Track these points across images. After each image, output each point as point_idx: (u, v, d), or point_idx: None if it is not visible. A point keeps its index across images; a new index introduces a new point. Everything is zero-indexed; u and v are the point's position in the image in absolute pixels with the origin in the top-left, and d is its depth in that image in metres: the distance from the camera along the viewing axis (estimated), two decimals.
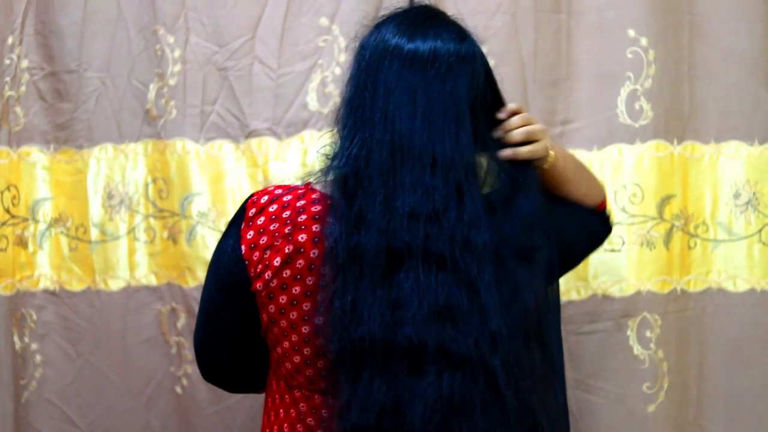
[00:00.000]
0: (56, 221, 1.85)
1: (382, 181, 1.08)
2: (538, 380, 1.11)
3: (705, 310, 1.75)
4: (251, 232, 1.16)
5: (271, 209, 1.16)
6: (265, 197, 1.18)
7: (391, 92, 1.11)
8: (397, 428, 1.05)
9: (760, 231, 1.74)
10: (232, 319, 1.20)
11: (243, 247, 1.16)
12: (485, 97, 1.17)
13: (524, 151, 1.21)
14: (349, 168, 1.10)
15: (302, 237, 1.12)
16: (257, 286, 1.14)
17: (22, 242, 1.82)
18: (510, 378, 1.06)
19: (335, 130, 1.16)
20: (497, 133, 1.21)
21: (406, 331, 1.04)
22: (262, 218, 1.16)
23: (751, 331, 1.74)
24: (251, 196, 1.20)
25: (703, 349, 1.76)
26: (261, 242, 1.14)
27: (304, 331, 1.13)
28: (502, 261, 1.09)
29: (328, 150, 1.15)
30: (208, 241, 1.78)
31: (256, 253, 1.14)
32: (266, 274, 1.13)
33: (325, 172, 1.14)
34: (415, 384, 1.05)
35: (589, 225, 1.36)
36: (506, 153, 1.20)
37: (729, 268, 1.75)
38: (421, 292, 1.06)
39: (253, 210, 1.17)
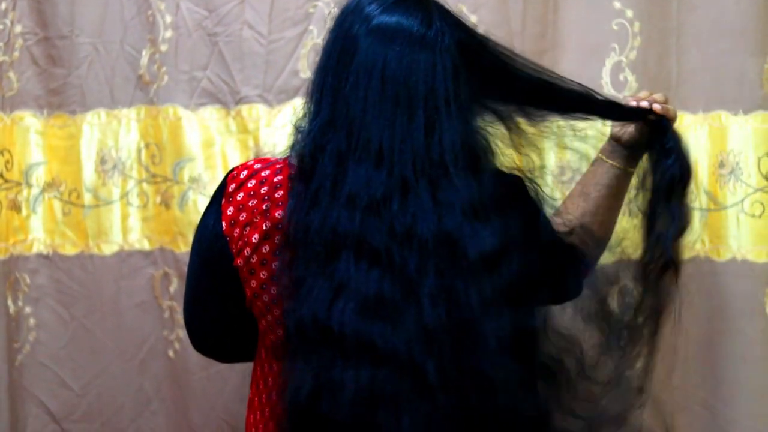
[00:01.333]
0: (49, 186, 1.91)
1: (333, 164, 1.10)
2: (496, 381, 1.09)
3: (692, 278, 1.80)
4: (231, 208, 1.19)
5: (249, 185, 1.19)
6: (245, 172, 1.21)
7: (353, 66, 1.11)
8: (329, 412, 1.07)
9: (742, 201, 1.79)
10: (217, 293, 1.24)
11: (224, 223, 1.20)
12: (454, 94, 1.13)
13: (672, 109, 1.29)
14: (309, 145, 1.12)
15: (279, 213, 1.15)
16: (238, 262, 1.17)
17: (15, 206, 1.88)
18: (444, 377, 1.06)
19: (306, 101, 1.17)
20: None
21: (337, 319, 1.06)
22: (241, 194, 1.19)
23: (733, 301, 1.81)
24: (231, 170, 1.23)
25: (687, 315, 1.81)
26: (240, 219, 1.17)
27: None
28: (452, 259, 1.08)
29: (298, 122, 1.17)
30: (199, 207, 1.85)
31: (236, 230, 1.18)
32: (246, 251, 1.17)
33: (291, 146, 1.16)
34: (339, 373, 1.07)
35: (565, 277, 1.32)
36: (658, 99, 1.30)
37: (714, 237, 1.81)
38: (353, 283, 1.07)
39: (233, 185, 1.20)
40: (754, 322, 1.78)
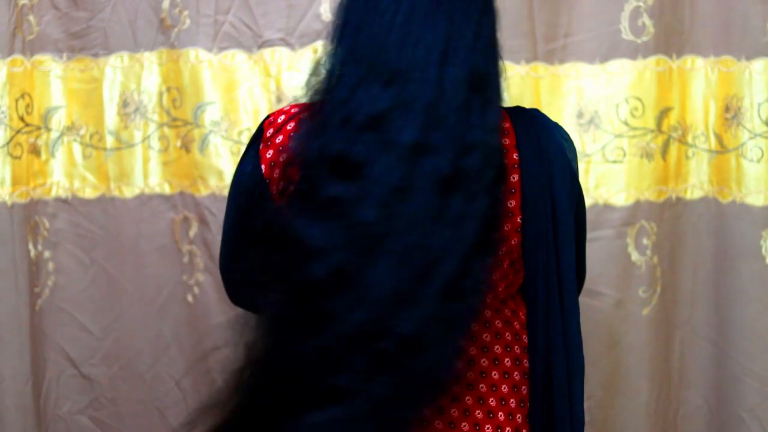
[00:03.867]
0: (69, 129, 2.01)
1: (347, 91, 1.14)
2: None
3: (701, 218, 1.98)
4: (270, 152, 1.24)
5: (288, 127, 1.23)
6: (282, 116, 1.25)
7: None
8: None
9: (743, 145, 1.95)
10: (256, 239, 1.26)
11: (263, 166, 1.24)
12: (480, 27, 1.17)
13: None
14: (326, 81, 1.16)
15: None
16: (281, 201, 1.21)
17: (35, 150, 1.98)
18: (401, 300, 1.10)
19: (328, 42, 1.20)
20: None
21: (316, 239, 1.11)
22: (281, 137, 1.23)
23: (733, 242, 1.97)
24: (268, 116, 1.28)
25: (696, 254, 1.95)
26: (281, 160, 1.22)
27: None
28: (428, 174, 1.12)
29: (319, 63, 1.20)
30: (220, 150, 1.97)
31: (276, 171, 1.22)
32: (290, 189, 1.19)
33: (308, 84, 1.20)
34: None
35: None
36: None
37: (720, 179, 1.97)
38: (320, 190, 1.12)
39: (271, 130, 1.25)
40: (751, 263, 1.95)
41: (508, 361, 1.27)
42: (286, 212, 1.15)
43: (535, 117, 1.29)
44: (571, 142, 1.31)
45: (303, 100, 1.20)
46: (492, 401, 1.25)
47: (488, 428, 1.24)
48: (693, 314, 1.99)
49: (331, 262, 1.10)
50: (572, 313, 1.27)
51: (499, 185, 1.19)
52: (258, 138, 1.27)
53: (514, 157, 1.22)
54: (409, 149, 1.10)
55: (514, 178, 1.22)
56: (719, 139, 1.96)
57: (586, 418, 1.95)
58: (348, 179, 1.11)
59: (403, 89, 1.12)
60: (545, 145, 1.25)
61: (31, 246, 1.99)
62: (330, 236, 1.10)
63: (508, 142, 1.23)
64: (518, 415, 1.26)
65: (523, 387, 1.27)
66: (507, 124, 1.25)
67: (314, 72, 1.19)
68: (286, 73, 1.94)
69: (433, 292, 1.10)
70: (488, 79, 1.18)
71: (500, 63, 1.21)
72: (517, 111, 1.29)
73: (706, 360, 2.00)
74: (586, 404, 1.95)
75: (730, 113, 1.95)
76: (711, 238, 1.97)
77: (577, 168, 1.31)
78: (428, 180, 1.10)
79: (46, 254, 2.01)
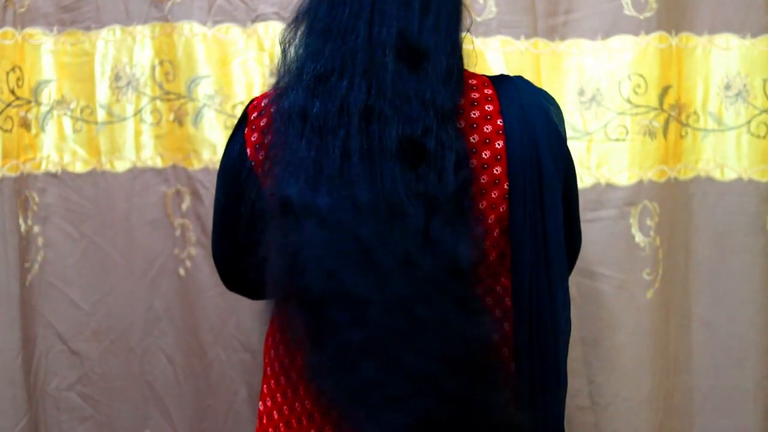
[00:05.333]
0: (59, 103, 2.05)
1: (296, 49, 1.24)
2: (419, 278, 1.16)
3: (693, 198, 2.01)
4: (255, 135, 1.28)
5: (272, 110, 1.26)
6: (265, 100, 1.30)
7: None
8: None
9: (749, 122, 1.97)
10: (245, 223, 1.29)
11: (248, 150, 1.28)
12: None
13: None
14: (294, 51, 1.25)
15: None
16: (267, 184, 1.24)
17: (25, 124, 2.01)
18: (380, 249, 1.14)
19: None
20: None
21: (288, 192, 1.17)
22: (265, 119, 1.28)
23: (737, 219, 1.99)
24: (252, 100, 1.34)
25: (690, 235, 1.95)
26: (266, 141, 1.26)
27: None
28: (384, 141, 1.16)
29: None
30: (214, 124, 2.00)
31: (261, 153, 1.26)
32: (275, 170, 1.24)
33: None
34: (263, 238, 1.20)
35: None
36: None
37: (717, 157, 2.00)
38: (300, 155, 1.17)
39: (255, 113, 1.30)
40: (756, 239, 1.98)
41: (496, 337, 1.29)
42: (269, 177, 1.20)
43: (518, 83, 1.32)
44: (557, 106, 1.34)
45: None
46: None
47: None
48: (686, 297, 2.01)
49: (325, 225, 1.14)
50: (560, 280, 1.30)
51: (462, 169, 1.20)
52: (243, 121, 1.31)
53: (498, 123, 1.25)
54: (360, 115, 1.16)
55: (499, 144, 1.24)
56: (715, 118, 1.97)
57: (587, 402, 1.96)
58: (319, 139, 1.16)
59: (340, 48, 1.18)
60: (529, 111, 1.27)
61: (21, 221, 2.02)
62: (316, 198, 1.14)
63: (491, 108, 1.26)
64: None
65: (511, 364, 1.29)
66: (489, 91, 1.27)
67: (281, 43, 1.27)
68: (279, 47, 1.94)
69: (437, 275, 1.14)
70: (427, 51, 1.20)
71: (459, 36, 1.26)
72: (500, 78, 1.32)
73: (700, 343, 2.02)
74: (587, 389, 1.98)
75: (732, 91, 1.95)
76: (707, 216, 1.99)
77: (565, 133, 1.33)
78: (391, 151, 1.15)
79: (36, 229, 2.05)
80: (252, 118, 1.29)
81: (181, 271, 2.03)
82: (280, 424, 1.33)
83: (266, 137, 1.25)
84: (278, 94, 1.24)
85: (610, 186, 1.95)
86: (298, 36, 1.24)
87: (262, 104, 1.29)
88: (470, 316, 1.19)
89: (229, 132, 1.36)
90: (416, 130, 1.16)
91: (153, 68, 2.01)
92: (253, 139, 1.28)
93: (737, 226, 1.98)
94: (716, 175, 1.98)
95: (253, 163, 1.27)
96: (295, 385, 1.31)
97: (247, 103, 1.34)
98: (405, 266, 1.14)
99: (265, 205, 1.21)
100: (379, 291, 1.14)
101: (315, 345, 1.18)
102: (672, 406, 2.03)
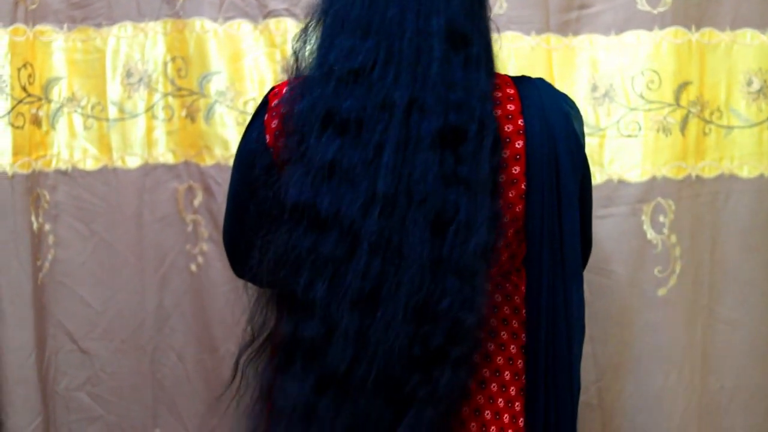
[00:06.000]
0: (69, 100, 2.07)
1: (319, 47, 1.24)
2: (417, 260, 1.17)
3: (717, 196, 2.01)
4: (275, 121, 1.28)
5: (292, 106, 1.25)
6: (287, 87, 1.30)
7: None
8: (253, 278, 1.25)
9: None
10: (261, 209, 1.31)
11: (268, 136, 1.29)
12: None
13: None
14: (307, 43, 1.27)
15: None
16: (286, 168, 1.25)
17: (36, 122, 2.02)
18: (377, 245, 1.15)
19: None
20: None
21: (288, 191, 1.18)
22: (286, 107, 1.27)
23: (761, 216, 2.01)
24: (273, 88, 1.35)
25: (715, 234, 1.97)
26: (285, 129, 1.26)
27: None
28: (417, 131, 1.17)
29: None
30: (226, 120, 2.02)
31: (281, 140, 1.26)
32: (289, 155, 1.24)
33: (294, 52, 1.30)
34: (275, 239, 1.20)
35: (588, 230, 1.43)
36: None
37: (741, 154, 2.00)
38: (313, 154, 1.18)
39: (276, 101, 1.30)
40: None
41: (504, 335, 1.31)
42: (288, 178, 1.20)
43: (540, 85, 1.34)
44: (578, 111, 1.36)
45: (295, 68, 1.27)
46: (486, 372, 1.29)
47: (480, 398, 1.28)
48: (712, 296, 2.01)
49: (345, 233, 1.15)
50: (575, 281, 1.31)
51: (497, 154, 1.22)
52: (263, 108, 1.32)
53: (519, 123, 1.26)
54: (404, 108, 1.16)
55: (518, 144, 1.25)
56: (738, 115, 1.98)
57: (594, 401, 1.98)
58: (343, 138, 1.16)
59: (384, 42, 1.18)
60: (550, 113, 1.28)
61: (33, 218, 2.03)
62: (340, 203, 1.15)
63: (512, 108, 1.27)
64: (511, 388, 1.29)
65: (519, 361, 1.30)
66: (512, 90, 1.29)
67: (298, 39, 1.28)
68: (291, 44, 1.95)
69: (456, 256, 1.15)
70: (470, 38, 1.22)
71: (488, 24, 1.29)
72: (522, 78, 1.34)
73: (726, 344, 2.02)
74: (594, 386, 1.99)
75: (754, 87, 1.97)
76: (731, 215, 1.99)
77: (584, 138, 1.35)
78: (427, 141, 1.16)
79: (47, 227, 2.07)
80: (273, 105, 1.30)
81: (193, 267, 2.06)
82: None
83: (287, 127, 1.25)
84: (298, 90, 1.24)
85: (622, 182, 1.97)
86: (321, 33, 1.24)
87: (284, 91, 1.29)
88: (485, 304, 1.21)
89: (242, 129, 1.38)
90: (460, 116, 1.18)
91: (165, 64, 2.03)
92: (273, 125, 1.28)
93: (761, 223, 1.99)
94: (740, 172, 1.99)
95: (272, 150, 1.27)
96: None
97: (264, 93, 1.35)
98: (419, 258, 1.15)
99: (278, 199, 1.22)
100: (389, 285, 1.15)
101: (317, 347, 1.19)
102: (700, 406, 2.03)
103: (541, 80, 1.35)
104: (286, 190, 1.19)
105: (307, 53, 1.26)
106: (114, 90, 2.04)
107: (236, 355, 1.37)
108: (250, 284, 1.46)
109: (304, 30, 1.28)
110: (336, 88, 1.18)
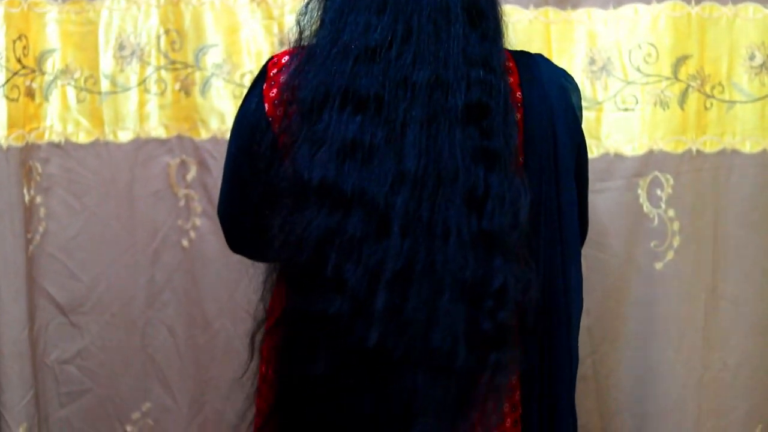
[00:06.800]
0: (63, 73, 2.08)
1: (332, 22, 1.22)
2: (471, 243, 1.17)
3: (719, 171, 2.03)
4: (274, 91, 1.29)
5: (298, 80, 1.25)
6: (286, 57, 1.31)
7: None
8: (290, 262, 1.20)
9: None
10: (258, 179, 1.29)
11: (266, 105, 1.29)
12: None
13: None
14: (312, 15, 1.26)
15: None
16: (283, 140, 1.26)
17: (30, 94, 2.03)
18: (406, 223, 1.15)
19: None
20: None
21: (311, 168, 1.17)
22: (284, 76, 1.28)
23: (764, 192, 2.01)
24: (271, 57, 1.34)
25: (717, 209, 1.97)
26: (284, 97, 1.26)
27: None
28: (441, 107, 1.17)
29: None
30: (222, 93, 2.04)
31: (280, 109, 1.27)
32: (294, 128, 1.24)
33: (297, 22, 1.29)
34: (296, 218, 1.18)
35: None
36: None
37: (743, 129, 2.02)
38: (333, 131, 1.17)
39: (275, 70, 1.31)
40: None
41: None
42: (298, 155, 1.19)
43: (539, 60, 1.36)
44: (576, 86, 1.38)
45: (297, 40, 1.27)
46: None
47: None
48: (715, 273, 2.02)
49: (371, 212, 1.15)
50: (573, 251, 1.33)
51: (510, 126, 1.22)
52: (262, 77, 1.32)
53: (518, 95, 1.29)
54: (426, 86, 1.16)
55: (516, 116, 1.27)
56: (741, 89, 1.99)
57: (589, 372, 1.98)
58: (363, 116, 1.16)
59: (400, 19, 1.17)
60: (548, 86, 1.31)
61: (25, 191, 2.04)
62: (366, 183, 1.15)
63: (511, 80, 1.29)
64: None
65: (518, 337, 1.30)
66: (510, 64, 1.31)
67: (303, 12, 1.27)
68: (288, 16, 2.00)
69: (497, 231, 1.16)
70: (486, 12, 1.23)
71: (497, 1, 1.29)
72: (522, 53, 1.36)
73: (729, 321, 2.03)
74: (589, 359, 1.98)
75: (756, 62, 1.98)
76: (733, 190, 2.01)
77: (581, 113, 1.37)
78: (453, 118, 1.16)
79: (38, 199, 2.08)
80: (271, 74, 1.30)
81: (185, 243, 2.06)
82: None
83: (285, 93, 1.25)
84: (304, 63, 1.23)
85: (618, 156, 1.98)
86: (331, 5, 1.23)
87: (283, 61, 1.30)
88: (523, 275, 1.21)
89: (238, 102, 1.38)
90: (483, 92, 1.18)
91: (158, 38, 2.03)
92: (271, 95, 1.29)
93: (765, 199, 2.00)
94: (742, 147, 2.00)
95: (270, 119, 1.28)
96: None
97: (266, 60, 1.34)
98: (459, 235, 1.15)
99: (285, 176, 1.21)
100: (424, 263, 1.15)
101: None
102: (701, 383, 2.04)
103: (540, 55, 1.37)
104: (304, 168, 1.18)
105: (311, 25, 1.25)
106: (106, 63, 2.04)
107: (251, 332, 1.36)
108: (258, 262, 1.47)
109: (310, 1, 1.27)
110: (352, 65, 1.18)
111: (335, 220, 1.16)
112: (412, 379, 1.17)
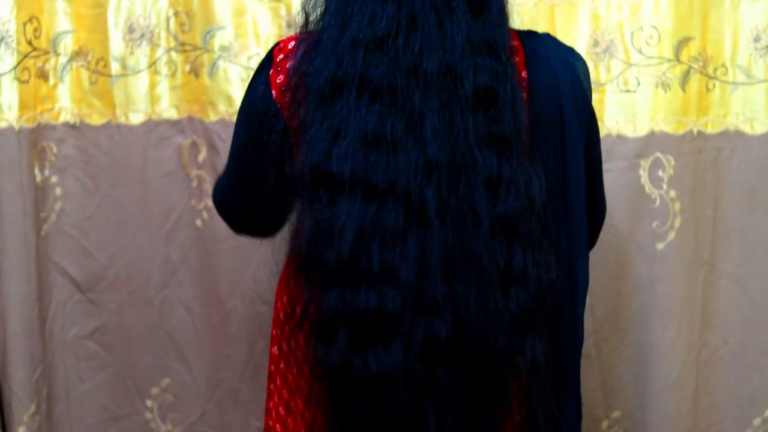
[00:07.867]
0: (77, 54, 2.13)
1: (337, 9, 1.23)
2: (493, 226, 1.20)
3: (722, 152, 2.09)
4: (281, 77, 1.31)
5: (307, 68, 1.26)
6: (292, 42, 1.33)
7: None
8: (325, 255, 1.19)
9: None
10: (268, 166, 1.32)
11: (274, 91, 1.31)
12: None
13: None
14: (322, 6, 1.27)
15: None
16: (293, 124, 1.28)
17: (43, 75, 2.10)
18: (441, 208, 1.18)
19: None
20: None
21: (335, 160, 1.19)
22: (291, 62, 1.29)
23: (766, 172, 2.07)
24: (277, 43, 1.36)
25: (718, 190, 2.03)
26: (292, 83, 1.28)
27: None
28: (454, 93, 1.20)
29: None
30: (230, 75, 2.09)
31: (288, 95, 1.28)
32: (303, 115, 1.26)
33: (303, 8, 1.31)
34: (334, 211, 1.19)
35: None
36: None
37: (747, 110, 2.08)
38: (352, 122, 1.19)
39: (281, 55, 1.33)
40: None
41: None
42: (315, 145, 1.21)
43: (545, 39, 1.38)
44: (584, 63, 1.40)
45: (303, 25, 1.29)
46: None
47: None
48: (715, 252, 2.09)
49: (397, 200, 1.17)
50: (579, 230, 1.36)
51: (518, 111, 1.26)
52: (268, 63, 1.34)
53: (523, 75, 1.31)
54: (436, 75, 1.19)
55: (522, 95, 1.29)
56: (745, 71, 2.04)
57: (592, 351, 2.05)
58: (380, 106, 1.18)
59: (401, 7, 1.20)
60: (555, 65, 1.33)
61: (37, 171, 2.11)
62: (394, 174, 1.18)
63: (516, 59, 1.31)
64: None
65: None
66: (516, 43, 1.33)
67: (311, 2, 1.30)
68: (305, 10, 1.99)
69: (514, 215, 1.20)
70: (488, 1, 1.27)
71: None
72: (528, 32, 1.39)
73: (730, 300, 2.10)
74: (592, 338, 2.06)
75: (762, 43, 2.03)
76: (735, 171, 2.06)
77: (590, 90, 1.39)
78: (464, 105, 1.19)
79: (54, 179, 2.14)
80: (278, 59, 1.32)
81: (198, 222, 2.14)
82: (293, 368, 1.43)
83: (292, 80, 1.26)
84: (312, 50, 1.25)
85: (620, 137, 2.04)
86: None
87: (290, 47, 1.32)
88: (542, 257, 1.25)
89: (245, 84, 1.41)
90: (491, 78, 1.21)
91: (168, 19, 2.08)
92: (278, 81, 1.31)
93: (766, 179, 2.06)
94: (746, 128, 2.06)
95: (279, 106, 1.30)
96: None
97: (272, 45, 1.36)
98: (480, 221, 1.19)
99: (303, 166, 1.23)
100: (462, 251, 1.18)
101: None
102: (700, 361, 2.12)
103: (547, 35, 1.39)
104: (326, 159, 1.19)
105: (317, 9, 1.27)
106: (116, 45, 2.10)
107: (278, 330, 1.42)
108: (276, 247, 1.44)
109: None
110: (363, 55, 1.20)
111: (371, 212, 1.18)
112: (457, 368, 1.20)
